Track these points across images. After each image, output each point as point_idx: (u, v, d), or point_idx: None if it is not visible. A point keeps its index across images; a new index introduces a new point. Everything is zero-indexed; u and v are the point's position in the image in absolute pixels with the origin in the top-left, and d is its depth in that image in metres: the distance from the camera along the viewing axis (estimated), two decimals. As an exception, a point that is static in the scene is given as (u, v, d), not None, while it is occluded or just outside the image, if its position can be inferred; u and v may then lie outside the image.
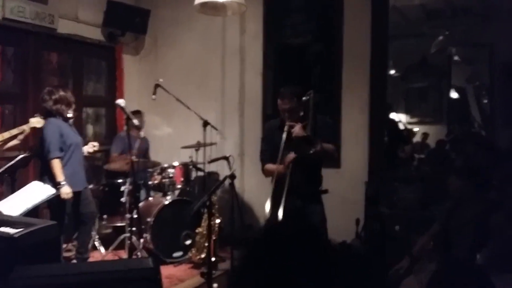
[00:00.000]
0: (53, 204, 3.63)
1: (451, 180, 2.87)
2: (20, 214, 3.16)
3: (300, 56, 4.89)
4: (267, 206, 3.04)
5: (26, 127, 3.59)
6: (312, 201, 3.21)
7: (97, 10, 5.38)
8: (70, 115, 3.83)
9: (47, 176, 3.69)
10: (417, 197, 4.18)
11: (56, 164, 3.64)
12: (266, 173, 3.31)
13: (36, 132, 3.79)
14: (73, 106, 3.86)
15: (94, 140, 4.10)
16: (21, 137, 3.63)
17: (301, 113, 3.17)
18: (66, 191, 3.63)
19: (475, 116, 6.61)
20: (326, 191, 3.31)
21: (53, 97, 3.75)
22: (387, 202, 4.11)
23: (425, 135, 7.26)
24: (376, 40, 4.45)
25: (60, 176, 3.63)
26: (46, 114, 3.75)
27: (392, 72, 7.66)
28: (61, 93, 3.78)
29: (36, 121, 3.67)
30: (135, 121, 3.50)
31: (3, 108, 4.78)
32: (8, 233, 2.48)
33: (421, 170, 5.53)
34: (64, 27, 5.03)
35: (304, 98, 3.14)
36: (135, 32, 5.83)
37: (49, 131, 3.69)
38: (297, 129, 3.03)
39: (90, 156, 4.12)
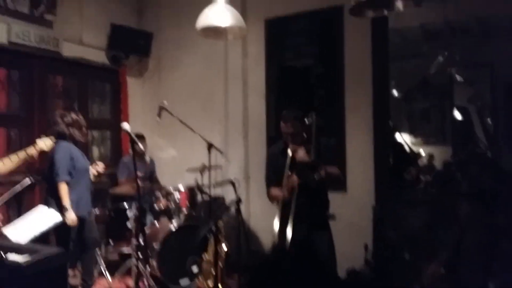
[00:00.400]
0: (58, 229, 3.60)
1: (459, 205, 2.86)
2: (28, 242, 3.15)
3: (302, 78, 4.92)
4: (276, 225, 3.02)
5: (35, 151, 3.57)
6: (319, 227, 3.19)
7: (101, 34, 5.44)
8: (82, 139, 3.86)
9: (54, 199, 3.68)
10: (425, 220, 4.15)
11: (63, 188, 3.63)
12: (271, 198, 3.30)
13: (42, 154, 3.78)
14: (84, 130, 3.89)
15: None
16: (31, 156, 3.63)
17: (304, 136, 3.17)
18: (72, 217, 3.61)
19: (480, 136, 6.62)
20: (333, 217, 3.29)
21: (66, 120, 3.78)
22: (395, 226, 4.08)
23: (430, 157, 7.24)
24: (377, 61, 4.49)
25: (66, 201, 3.61)
26: (57, 137, 3.76)
27: (394, 93, 7.68)
28: (73, 116, 3.82)
29: (44, 144, 3.65)
30: (141, 146, 3.51)
31: (9, 131, 4.79)
32: (16, 262, 2.47)
33: (429, 193, 5.50)
34: (69, 50, 5.08)
35: (307, 121, 3.14)
36: (139, 55, 5.89)
37: (59, 154, 3.69)
38: (301, 153, 3.03)
39: (96, 181, 4.10)
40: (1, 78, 4.66)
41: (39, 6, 4.75)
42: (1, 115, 4.69)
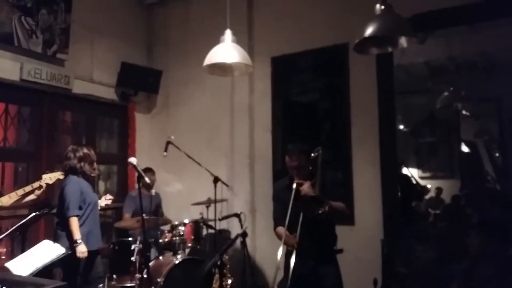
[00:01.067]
0: (66, 263, 3.58)
1: (469, 237, 2.79)
2: (30, 274, 3.11)
3: (308, 113, 4.95)
4: (279, 258, 2.96)
5: (42, 184, 3.72)
6: (326, 262, 3.11)
7: (111, 71, 5.59)
8: (93, 173, 3.92)
9: (65, 232, 3.70)
10: (435, 255, 4.06)
11: (74, 222, 3.65)
12: (278, 236, 3.24)
13: (47, 188, 3.85)
14: (95, 165, 3.93)
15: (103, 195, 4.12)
16: (38, 192, 3.74)
17: (310, 169, 3.15)
18: (82, 250, 3.61)
19: (488, 170, 6.56)
20: (341, 251, 3.22)
21: (77, 154, 3.84)
22: (405, 261, 3.98)
23: (439, 190, 7.16)
24: (383, 96, 4.51)
25: (77, 234, 3.63)
26: (68, 172, 3.83)
27: (401, 127, 7.70)
28: (85, 151, 3.88)
29: (49, 178, 3.78)
30: (147, 180, 3.51)
31: (16, 166, 4.84)
32: (17, 295, 2.44)
33: (438, 226, 5.40)
34: (79, 87, 5.21)
35: (312, 155, 3.13)
36: (147, 92, 6.01)
37: (70, 189, 3.74)
38: (306, 188, 2.98)
39: (101, 214, 4.11)
40: (12, 114, 4.76)
41: (52, 46, 4.90)
42: (10, 150, 4.75)
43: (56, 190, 4.33)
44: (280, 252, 2.92)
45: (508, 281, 2.48)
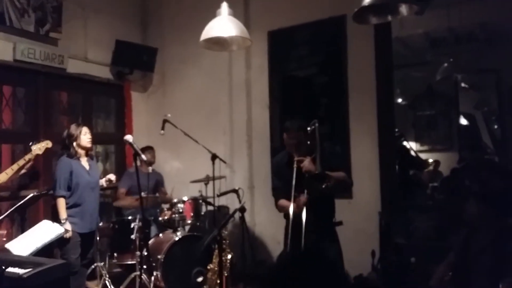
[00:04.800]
0: (62, 243, 3.61)
1: (467, 207, 2.79)
2: (30, 254, 3.14)
3: (306, 88, 4.91)
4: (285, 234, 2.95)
5: (31, 155, 3.80)
6: (326, 235, 3.13)
7: (106, 50, 5.50)
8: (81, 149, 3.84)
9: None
10: (433, 226, 4.08)
11: (59, 202, 3.65)
12: (280, 209, 3.24)
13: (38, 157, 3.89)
14: (83, 141, 3.83)
15: (104, 177, 4.08)
16: (27, 165, 3.81)
17: (308, 145, 3.12)
18: (67, 228, 3.60)
19: (486, 142, 6.56)
20: (340, 223, 3.23)
21: (66, 133, 3.80)
22: (402, 232, 4.01)
23: (436, 163, 7.18)
24: (381, 69, 4.46)
25: (62, 214, 3.63)
26: (62, 150, 3.82)
27: (400, 100, 7.67)
28: (71, 129, 3.81)
29: (38, 148, 3.85)
30: (143, 156, 3.49)
31: (13, 148, 4.82)
32: (17, 273, 2.46)
33: (435, 199, 5.43)
34: (74, 67, 5.15)
35: (309, 129, 3.09)
36: (143, 70, 5.94)
37: (58, 169, 3.74)
38: (307, 164, 2.95)
39: (101, 194, 4.10)
40: (7, 95, 4.71)
41: (45, 25, 4.82)
42: (6, 131, 4.73)
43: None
44: (291, 209, 2.90)
45: (504, 251, 2.49)
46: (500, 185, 3.31)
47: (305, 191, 2.95)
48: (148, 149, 5.06)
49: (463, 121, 7.22)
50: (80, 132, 3.79)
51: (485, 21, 6.38)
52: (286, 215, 3.13)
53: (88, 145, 3.84)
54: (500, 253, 2.49)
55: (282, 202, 3.17)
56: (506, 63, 6.39)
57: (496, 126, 6.97)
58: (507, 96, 6.62)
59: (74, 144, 3.77)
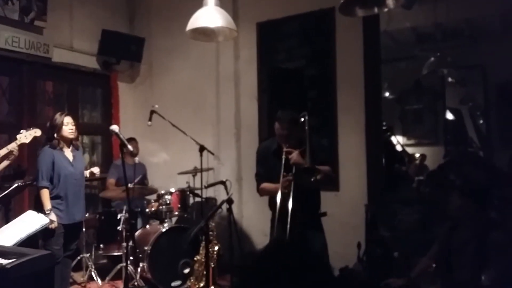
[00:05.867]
0: (46, 234, 3.57)
1: (451, 199, 2.83)
2: (14, 244, 3.10)
3: (294, 80, 4.91)
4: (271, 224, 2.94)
5: (15, 144, 3.54)
6: (311, 226, 3.14)
7: (92, 40, 5.44)
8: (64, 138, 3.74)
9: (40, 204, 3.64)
10: (418, 219, 4.14)
11: (43, 193, 3.60)
12: (262, 192, 3.25)
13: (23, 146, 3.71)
14: (65, 131, 3.73)
15: (91, 168, 4.03)
16: (12, 157, 3.58)
17: (298, 137, 3.13)
18: (52, 219, 3.55)
19: (472, 136, 6.66)
20: (325, 214, 3.25)
21: (54, 123, 3.71)
22: (388, 225, 4.05)
23: (423, 157, 7.28)
24: (369, 62, 4.48)
25: (47, 205, 3.58)
26: (46, 142, 3.73)
27: (387, 94, 7.73)
28: (55, 118, 3.73)
29: (24, 137, 3.62)
30: (129, 147, 3.46)
31: (-3, 138, 4.75)
32: (0, 264, 2.43)
33: (421, 192, 5.50)
34: (60, 56, 5.08)
35: (301, 120, 3.11)
36: (130, 60, 5.88)
37: (40, 159, 3.67)
38: (295, 156, 2.95)
39: (87, 185, 4.06)
40: (-10, 84, 4.64)
41: (30, 13, 4.74)
42: (-10, 121, 4.65)
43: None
44: (278, 197, 2.90)
45: (485, 244, 2.53)
46: (483, 179, 3.37)
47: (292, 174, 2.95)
48: (131, 140, 5.01)
49: (450, 115, 7.31)
50: (62, 123, 3.70)
51: (472, 17, 6.46)
52: (272, 205, 3.14)
53: (70, 136, 3.74)
54: (481, 246, 2.53)
55: (265, 185, 3.17)
56: (491, 58, 6.47)
57: (481, 121, 7.08)
58: (494, 92, 6.71)
59: (56, 135, 3.70)
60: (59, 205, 3.67)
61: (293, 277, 1.16)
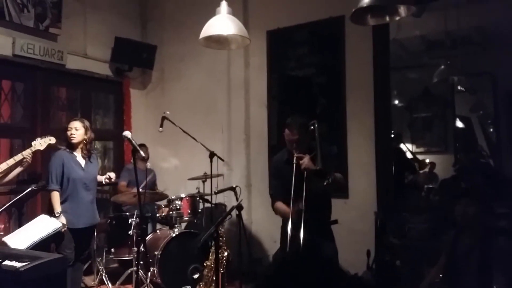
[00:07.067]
0: (57, 237, 3.61)
1: (460, 208, 2.83)
2: (27, 248, 3.16)
3: (304, 87, 4.94)
4: (284, 231, 2.92)
5: (29, 151, 3.63)
6: (322, 233, 3.14)
7: (105, 46, 5.52)
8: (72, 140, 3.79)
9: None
10: (427, 227, 4.12)
11: (53, 196, 3.65)
12: (276, 212, 3.23)
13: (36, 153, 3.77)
14: (74, 133, 3.78)
15: (103, 174, 4.06)
16: (25, 164, 3.65)
17: (308, 143, 3.14)
18: (62, 222, 3.59)
19: (482, 145, 6.61)
20: (336, 221, 3.25)
21: (68, 127, 3.77)
22: (397, 233, 4.05)
23: (432, 165, 7.23)
24: (378, 70, 4.49)
25: (57, 208, 3.62)
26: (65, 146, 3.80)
27: (396, 102, 7.72)
28: (75, 124, 3.79)
29: (39, 144, 3.71)
30: (142, 153, 3.50)
31: (12, 143, 4.83)
32: (13, 267, 2.48)
33: (431, 200, 5.47)
34: (73, 63, 5.16)
35: (310, 128, 3.12)
36: (142, 67, 5.95)
37: (51, 163, 3.73)
38: (306, 162, 2.94)
39: (98, 189, 4.10)
40: (6, 90, 4.72)
41: (45, 20, 4.83)
42: (4, 126, 4.73)
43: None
44: (289, 226, 2.88)
45: (492, 251, 2.53)
46: (491, 187, 3.36)
47: (303, 194, 2.90)
48: (141, 146, 5.06)
49: (459, 124, 7.27)
50: (66, 127, 3.78)
51: (482, 25, 6.44)
52: (283, 233, 3.11)
53: (71, 140, 3.76)
54: (488, 253, 2.53)
55: (280, 205, 3.15)
56: (501, 66, 6.44)
57: (491, 130, 7.02)
58: (502, 99, 6.67)
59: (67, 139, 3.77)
60: (68, 208, 3.70)
61: (306, 283, 1.19)
